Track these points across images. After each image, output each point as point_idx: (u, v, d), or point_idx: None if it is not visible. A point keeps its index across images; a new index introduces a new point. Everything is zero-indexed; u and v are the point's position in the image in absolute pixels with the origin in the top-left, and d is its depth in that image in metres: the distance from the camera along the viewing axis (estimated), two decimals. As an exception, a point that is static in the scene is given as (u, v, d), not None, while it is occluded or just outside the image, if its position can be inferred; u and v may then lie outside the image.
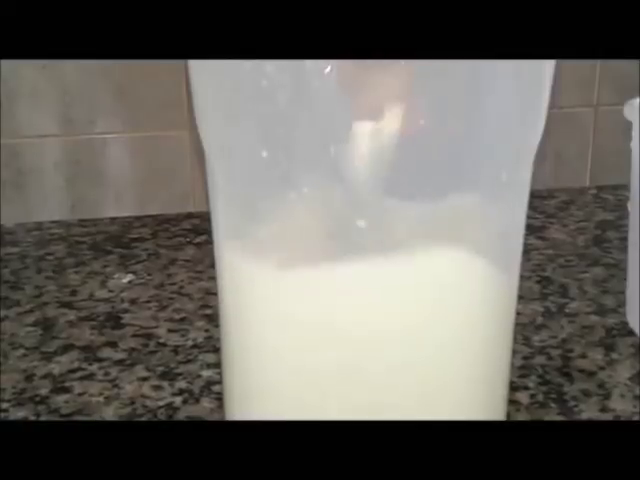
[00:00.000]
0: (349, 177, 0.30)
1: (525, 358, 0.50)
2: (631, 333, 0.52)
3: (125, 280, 0.60)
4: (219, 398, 0.45)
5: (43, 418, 0.44)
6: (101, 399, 0.46)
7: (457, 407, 0.34)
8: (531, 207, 0.35)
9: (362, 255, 0.32)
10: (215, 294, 0.37)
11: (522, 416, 0.44)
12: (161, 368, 0.49)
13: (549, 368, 0.49)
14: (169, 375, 0.48)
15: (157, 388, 0.47)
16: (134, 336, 0.52)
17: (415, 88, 0.30)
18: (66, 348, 0.51)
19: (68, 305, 0.56)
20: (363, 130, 0.30)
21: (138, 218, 0.70)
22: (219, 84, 0.32)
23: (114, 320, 0.54)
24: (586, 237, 0.66)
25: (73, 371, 0.49)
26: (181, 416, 0.45)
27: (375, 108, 0.30)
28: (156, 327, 0.53)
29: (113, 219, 0.69)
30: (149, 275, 0.60)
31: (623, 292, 0.55)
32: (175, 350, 0.51)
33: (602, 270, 0.61)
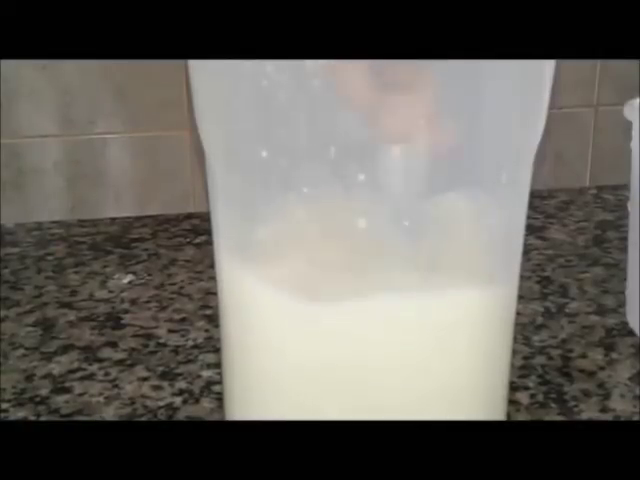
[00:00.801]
0: (349, 178, 0.30)
1: (525, 358, 0.50)
2: (631, 333, 0.52)
3: (125, 280, 0.60)
4: (219, 398, 0.45)
5: (43, 418, 0.44)
6: (101, 399, 0.46)
7: (457, 407, 0.34)
8: (531, 207, 0.35)
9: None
10: (215, 294, 0.37)
11: (522, 416, 0.44)
12: (161, 368, 0.49)
13: (549, 368, 0.49)
14: (169, 375, 0.48)
15: (157, 388, 0.47)
16: (134, 336, 0.52)
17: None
18: (66, 348, 0.51)
19: (68, 305, 0.56)
20: (362, 131, 0.30)
21: (138, 218, 0.70)
22: (219, 84, 0.32)
23: (114, 320, 0.54)
24: (586, 237, 0.66)
25: (73, 371, 0.49)
26: (181, 416, 0.45)
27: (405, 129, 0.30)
28: (156, 327, 0.53)
29: (113, 219, 0.69)
30: (149, 275, 0.60)
31: (623, 292, 0.55)
32: (175, 350, 0.51)
33: (602, 270, 0.61)
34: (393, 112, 0.30)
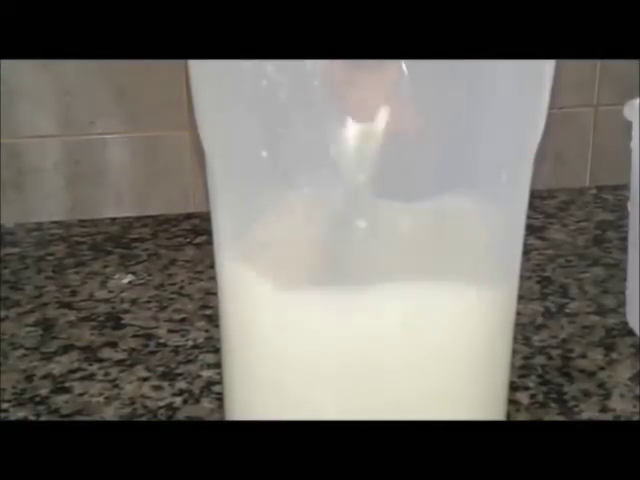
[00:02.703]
0: (349, 177, 0.31)
1: (525, 358, 0.50)
2: (631, 333, 0.52)
3: (125, 280, 0.60)
4: (219, 398, 0.45)
5: (43, 418, 0.44)
6: (101, 399, 0.46)
7: (457, 407, 0.34)
8: (531, 207, 0.35)
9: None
10: (215, 294, 0.37)
11: (522, 416, 0.44)
12: (161, 368, 0.49)
13: (549, 368, 0.49)
14: (169, 375, 0.48)
15: (157, 388, 0.47)
16: (134, 336, 0.52)
17: (414, 88, 0.30)
18: (66, 348, 0.51)
19: (68, 305, 0.56)
20: (362, 130, 0.30)
21: (138, 218, 0.70)
22: (219, 84, 0.32)
23: (114, 320, 0.54)
24: (586, 237, 0.66)
25: (73, 371, 0.49)
26: (181, 416, 0.45)
27: (369, 107, 0.30)
28: (156, 327, 0.53)
29: (113, 219, 0.69)
30: (149, 275, 0.60)
31: (623, 292, 0.55)
32: (175, 350, 0.51)
33: (602, 270, 0.61)
34: (358, 89, 0.30)
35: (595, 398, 0.46)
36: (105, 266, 0.62)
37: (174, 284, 0.59)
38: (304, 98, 0.30)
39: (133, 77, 0.67)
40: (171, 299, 0.57)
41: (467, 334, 0.33)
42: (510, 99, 0.32)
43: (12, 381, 0.48)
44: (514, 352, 0.40)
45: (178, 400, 0.46)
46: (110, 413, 0.45)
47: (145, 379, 0.48)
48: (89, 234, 0.67)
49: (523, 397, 0.46)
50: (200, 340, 0.52)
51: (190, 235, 0.67)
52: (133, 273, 0.61)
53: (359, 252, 0.32)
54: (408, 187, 0.31)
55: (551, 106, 0.33)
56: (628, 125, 0.49)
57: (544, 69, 0.32)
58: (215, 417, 0.44)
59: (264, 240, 0.33)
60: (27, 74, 0.66)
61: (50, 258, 0.63)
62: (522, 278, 0.37)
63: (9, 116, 0.66)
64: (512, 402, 0.44)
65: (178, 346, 0.51)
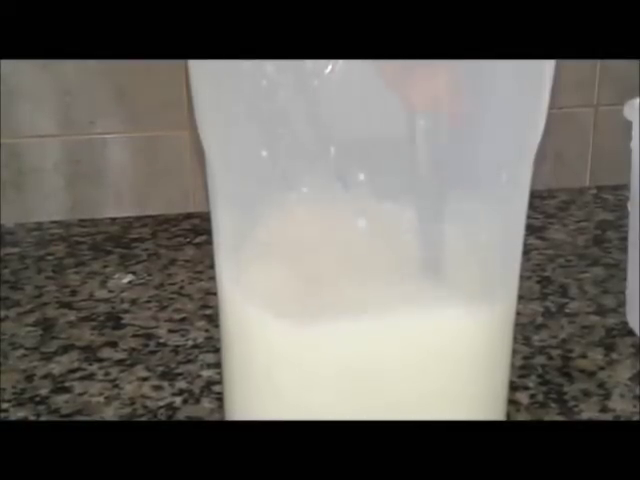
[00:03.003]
0: (349, 177, 0.31)
1: (525, 358, 0.50)
2: (631, 333, 0.52)
3: (125, 280, 0.60)
4: (219, 398, 0.45)
5: (43, 418, 0.44)
6: (101, 399, 0.46)
7: (457, 407, 0.34)
8: (531, 207, 0.35)
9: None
10: (215, 294, 0.37)
11: (522, 416, 0.44)
12: (161, 368, 0.49)
13: (549, 368, 0.49)
14: (169, 375, 0.48)
15: (157, 388, 0.47)
16: (134, 336, 0.52)
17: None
18: (66, 348, 0.51)
19: (68, 305, 0.56)
20: (363, 130, 0.30)
21: (138, 218, 0.70)
22: (219, 84, 0.32)
23: (114, 320, 0.54)
24: (586, 237, 0.66)
25: (73, 371, 0.49)
26: (181, 416, 0.45)
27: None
28: (156, 327, 0.53)
29: (113, 219, 0.69)
30: (149, 275, 0.60)
31: (623, 292, 0.55)
32: (175, 350, 0.51)
33: (602, 270, 0.61)
34: (418, 82, 0.30)
35: (595, 398, 0.46)
36: (105, 266, 0.62)
37: (174, 284, 0.59)
38: (304, 98, 0.30)
39: (133, 77, 0.67)
40: (171, 299, 0.57)
41: (467, 334, 0.33)
42: (510, 99, 0.32)
43: (12, 381, 0.48)
44: (514, 352, 0.40)
45: (178, 400, 0.46)
46: (110, 413, 0.45)
47: (145, 379, 0.48)
48: (89, 234, 0.67)
49: (523, 397, 0.46)
50: (200, 340, 0.52)
51: (190, 235, 0.67)
52: (133, 273, 0.61)
53: (359, 252, 0.32)
54: (408, 187, 0.31)
55: (551, 106, 0.33)
56: (628, 125, 0.49)
57: (544, 69, 0.32)
58: (215, 417, 0.44)
59: (264, 243, 0.33)
60: (27, 74, 0.66)
61: (50, 258, 0.63)
62: (522, 278, 0.37)
63: (9, 116, 0.66)
64: (512, 402, 0.44)
65: (178, 346, 0.51)
